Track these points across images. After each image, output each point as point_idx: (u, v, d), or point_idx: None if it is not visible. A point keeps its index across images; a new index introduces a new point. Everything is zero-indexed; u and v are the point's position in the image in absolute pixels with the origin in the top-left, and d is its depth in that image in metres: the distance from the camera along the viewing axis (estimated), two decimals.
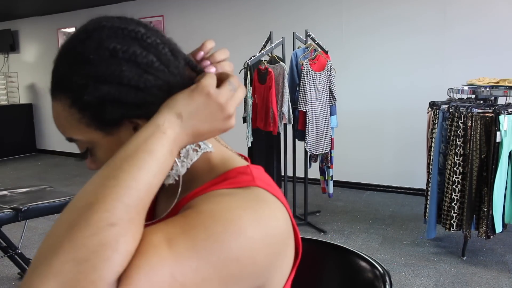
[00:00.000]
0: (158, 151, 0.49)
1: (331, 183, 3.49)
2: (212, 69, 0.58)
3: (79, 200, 0.45)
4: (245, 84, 3.19)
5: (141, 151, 0.48)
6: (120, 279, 0.41)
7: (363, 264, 0.89)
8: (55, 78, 0.56)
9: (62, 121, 0.57)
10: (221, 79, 0.56)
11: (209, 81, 0.54)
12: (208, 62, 0.59)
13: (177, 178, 0.60)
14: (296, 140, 3.44)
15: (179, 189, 0.59)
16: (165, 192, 0.68)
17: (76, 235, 0.41)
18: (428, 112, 3.11)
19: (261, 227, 0.51)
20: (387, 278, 0.84)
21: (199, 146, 0.61)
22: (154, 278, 0.42)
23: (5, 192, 2.54)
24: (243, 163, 0.63)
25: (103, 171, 0.48)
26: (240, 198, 0.54)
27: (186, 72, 0.57)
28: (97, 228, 0.42)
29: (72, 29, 6.50)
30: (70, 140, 0.59)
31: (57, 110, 0.57)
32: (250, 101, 3.14)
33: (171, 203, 0.61)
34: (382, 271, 0.85)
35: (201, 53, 0.60)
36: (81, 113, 0.55)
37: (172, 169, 0.59)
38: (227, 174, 0.60)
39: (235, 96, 0.56)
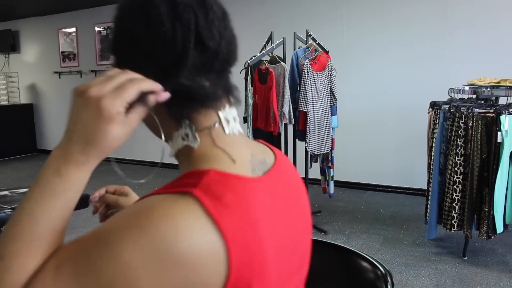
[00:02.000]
0: (42, 177, 0.56)
1: (331, 183, 3.48)
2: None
3: None
4: (246, 84, 3.19)
5: (31, 185, 0.56)
6: None
7: (365, 264, 0.88)
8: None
9: None
10: None
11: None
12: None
13: (170, 156, 0.63)
14: (297, 140, 3.44)
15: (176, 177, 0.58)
16: None
17: None
18: (429, 112, 3.10)
19: (144, 251, 0.47)
20: (388, 278, 0.84)
21: (187, 136, 0.59)
22: None
23: (5, 192, 2.54)
24: (224, 166, 0.57)
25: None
26: (143, 211, 0.50)
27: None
28: None
29: (73, 29, 6.50)
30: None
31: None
32: (250, 101, 3.14)
33: None
34: (383, 271, 0.85)
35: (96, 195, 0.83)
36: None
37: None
38: (185, 174, 0.56)
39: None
